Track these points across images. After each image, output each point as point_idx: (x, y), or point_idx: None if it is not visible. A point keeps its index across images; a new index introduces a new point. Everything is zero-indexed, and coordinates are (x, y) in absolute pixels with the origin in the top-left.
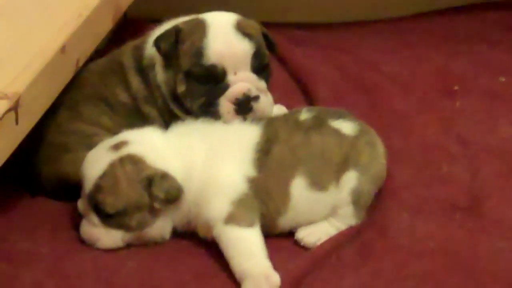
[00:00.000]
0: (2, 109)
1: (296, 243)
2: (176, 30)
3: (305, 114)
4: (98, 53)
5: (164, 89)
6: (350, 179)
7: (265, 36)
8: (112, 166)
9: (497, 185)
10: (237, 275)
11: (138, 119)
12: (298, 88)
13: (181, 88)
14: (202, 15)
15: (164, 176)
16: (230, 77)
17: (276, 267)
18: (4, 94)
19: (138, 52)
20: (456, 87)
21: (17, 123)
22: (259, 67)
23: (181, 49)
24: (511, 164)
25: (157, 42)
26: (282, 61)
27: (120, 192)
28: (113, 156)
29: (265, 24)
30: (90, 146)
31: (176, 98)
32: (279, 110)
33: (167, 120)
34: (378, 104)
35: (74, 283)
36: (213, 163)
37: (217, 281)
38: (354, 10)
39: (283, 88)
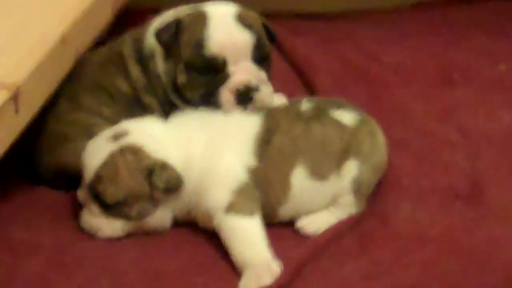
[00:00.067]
0: (1, 99)
1: (297, 232)
2: (177, 21)
3: (305, 104)
4: (98, 43)
5: (164, 79)
6: (351, 168)
7: (265, 27)
8: (112, 156)
9: (497, 173)
10: (238, 264)
11: (138, 109)
12: (298, 78)
13: (182, 79)
14: (202, 6)
15: (164, 166)
16: (231, 68)
17: (276, 255)
18: (3, 84)
19: (138, 42)
20: (456, 76)
21: (17, 113)
22: (260, 58)
23: (182, 40)
24: (511, 152)
25: (158, 33)
26: (282, 51)
27: (121, 182)
28: (113, 146)
29: (265, 14)
30: (90, 136)
31: (176, 88)
32: (279, 100)
33: (167, 110)
34: (378, 93)
35: (75, 272)
36: (213, 152)
37: (217, 270)
38: (354, 0)
39: (283, 78)
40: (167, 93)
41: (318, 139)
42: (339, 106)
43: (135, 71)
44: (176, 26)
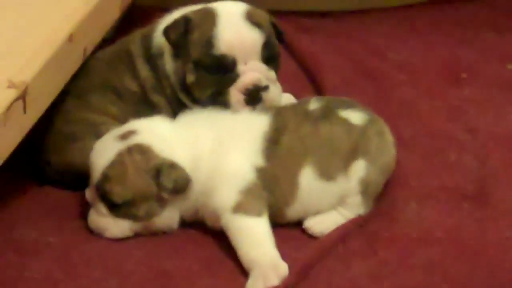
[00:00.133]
0: (10, 98)
1: (304, 232)
2: (186, 20)
3: (314, 104)
4: (106, 41)
5: (173, 78)
6: (359, 168)
7: (273, 26)
8: (120, 156)
9: (506, 173)
10: (245, 264)
11: (146, 107)
12: (306, 76)
13: (191, 78)
14: (211, 5)
15: (172, 165)
16: (240, 67)
17: (283, 256)
18: (12, 83)
19: (147, 41)
20: (464, 75)
21: (25, 112)
22: (269, 57)
23: (191, 38)
24: None
25: (166, 32)
26: (289, 49)
27: (128, 181)
28: (121, 145)
29: (272, 12)
30: (98, 135)
31: (185, 87)
32: (287, 99)
33: (175, 109)
34: (386, 92)
35: (82, 272)
36: (221, 152)
37: (225, 270)
38: None
39: (291, 77)
40: (176, 92)
41: (326, 139)
42: (348, 105)
43: (143, 70)
44: (185, 25)
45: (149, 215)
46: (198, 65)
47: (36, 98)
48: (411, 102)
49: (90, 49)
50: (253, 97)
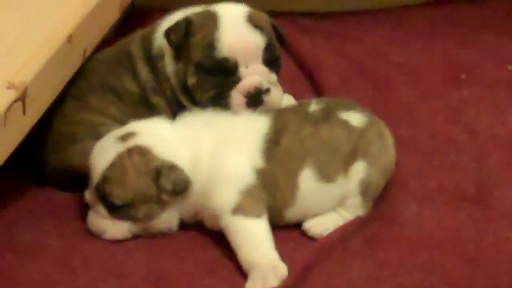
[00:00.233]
0: (9, 99)
1: (303, 233)
2: (187, 22)
3: (314, 106)
4: (105, 42)
5: (174, 80)
6: (359, 169)
7: (274, 28)
8: (119, 157)
9: (505, 175)
10: (244, 266)
11: (146, 109)
12: (305, 77)
13: (192, 80)
14: (212, 7)
15: (172, 167)
16: (242, 70)
17: (283, 257)
18: (11, 84)
19: (147, 42)
20: (463, 76)
21: (24, 113)
22: (270, 60)
23: (192, 41)
24: None
25: (168, 33)
26: (289, 50)
27: (128, 183)
28: (121, 147)
29: (272, 13)
30: (98, 136)
31: (185, 89)
32: (287, 100)
33: (175, 110)
34: (385, 93)
35: (81, 273)
36: (221, 153)
37: (224, 272)
38: None
39: (290, 78)
40: (176, 94)
41: (326, 141)
42: (348, 107)
43: (143, 71)
44: (187, 27)
45: (149, 217)
46: (200, 68)
47: (36, 99)
48: (410, 103)
49: (89, 50)
50: (255, 100)
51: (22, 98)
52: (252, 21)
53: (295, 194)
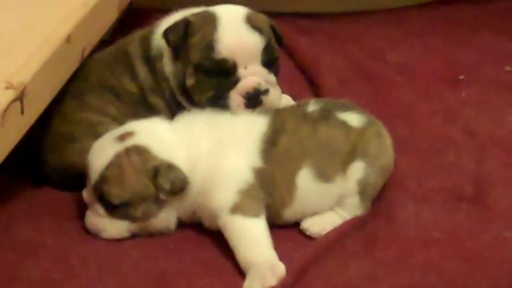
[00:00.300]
0: (7, 99)
1: (301, 232)
2: (186, 23)
3: (312, 106)
4: (104, 42)
5: (172, 81)
6: (357, 169)
7: (272, 29)
8: (117, 157)
9: (503, 174)
10: (242, 265)
11: (145, 109)
12: (304, 78)
13: (190, 81)
14: (211, 8)
15: (170, 167)
16: (241, 71)
17: (281, 256)
18: (9, 83)
19: (146, 42)
20: (462, 77)
21: (22, 113)
22: (269, 61)
23: (191, 42)
24: None
25: (166, 34)
26: (287, 50)
27: (126, 182)
28: (119, 146)
29: (271, 14)
30: (96, 135)
31: (184, 90)
32: (285, 100)
33: (173, 111)
34: (383, 94)
35: (79, 272)
36: (219, 153)
37: (222, 271)
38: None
39: (289, 78)
40: (174, 94)
41: (325, 141)
42: (346, 108)
43: (142, 71)
44: (185, 28)
45: (147, 216)
46: (198, 69)
47: (34, 99)
48: (408, 104)
49: (88, 50)
50: (253, 100)
51: (20, 98)
52: (251, 22)
53: (293, 193)
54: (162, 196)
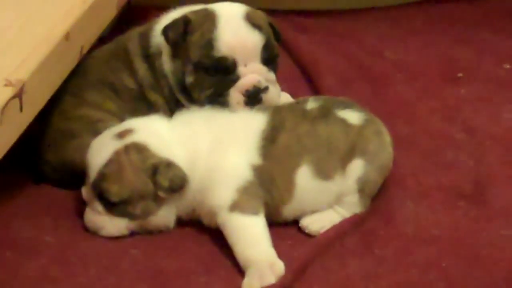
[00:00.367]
0: (6, 96)
1: (300, 230)
2: (185, 20)
3: (311, 104)
4: (102, 40)
5: (171, 78)
6: (357, 167)
7: (270, 26)
8: (117, 154)
9: (502, 172)
10: (242, 263)
11: (144, 105)
12: (302, 75)
13: (190, 79)
14: (210, 6)
15: (169, 164)
16: (241, 69)
17: (280, 254)
18: (8, 81)
19: (145, 39)
20: (460, 74)
21: (21, 110)
22: (269, 58)
23: (190, 39)
24: None
25: (166, 31)
26: (286, 48)
27: (125, 180)
28: (118, 144)
29: (269, 11)
30: (96, 132)
31: (183, 88)
32: (284, 98)
33: (173, 108)
34: (382, 91)
35: (78, 270)
36: (218, 150)
37: (221, 269)
38: None
39: (288, 75)
40: (173, 92)
41: (324, 138)
42: (345, 105)
43: (141, 68)
44: (185, 25)
45: (146, 214)
46: (198, 67)
47: (33, 96)
48: (408, 101)
49: (86, 47)
50: (253, 98)
51: (19, 95)
52: (250, 20)
53: (292, 191)
54: (161, 194)
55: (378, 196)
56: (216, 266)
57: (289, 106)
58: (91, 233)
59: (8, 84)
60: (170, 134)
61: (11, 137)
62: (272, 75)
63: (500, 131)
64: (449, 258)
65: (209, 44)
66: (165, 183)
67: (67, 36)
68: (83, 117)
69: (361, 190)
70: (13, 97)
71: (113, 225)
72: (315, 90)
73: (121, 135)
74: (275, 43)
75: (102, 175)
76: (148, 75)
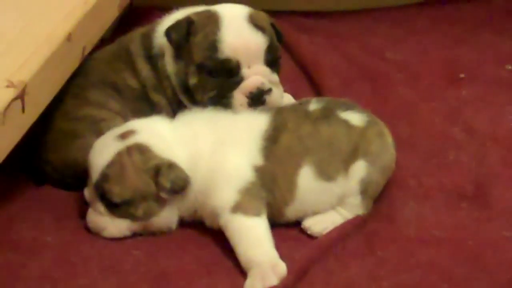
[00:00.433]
0: (8, 98)
1: (303, 232)
2: (188, 22)
3: (314, 105)
4: (104, 41)
5: (174, 79)
6: (359, 169)
7: (272, 27)
8: (119, 155)
9: (503, 173)
10: (244, 264)
11: (146, 105)
12: (304, 76)
13: (193, 81)
14: (213, 7)
15: (171, 165)
16: (244, 71)
17: (282, 256)
18: (10, 82)
19: (147, 40)
20: (462, 75)
21: (23, 111)
22: (272, 60)
23: (193, 41)
24: None
25: (168, 33)
26: (288, 49)
27: (127, 181)
28: (120, 145)
29: (271, 12)
30: (99, 131)
31: (186, 89)
32: (286, 99)
33: (175, 109)
34: (384, 92)
35: (80, 271)
36: (220, 151)
37: (223, 270)
38: None
39: (289, 76)
40: (176, 93)
41: (326, 139)
42: (348, 107)
43: (144, 69)
44: (188, 27)
45: (148, 215)
46: (201, 68)
47: (35, 97)
48: (409, 102)
49: (88, 48)
50: (257, 100)
51: (21, 96)
52: (253, 21)
53: (294, 192)
54: (163, 195)
55: (380, 198)
56: (218, 267)
57: (291, 107)
58: (93, 234)
59: (10, 85)
60: (172, 135)
61: (13, 138)
62: (275, 77)
63: (502, 132)
64: (451, 259)
65: (213, 45)
66: (167, 184)
67: (69, 37)
68: (86, 117)
69: (364, 192)
70: (15, 98)
71: (115, 226)
72: (317, 91)
73: (123, 136)
74: (278, 44)
75: (104, 176)
76: (151, 76)
